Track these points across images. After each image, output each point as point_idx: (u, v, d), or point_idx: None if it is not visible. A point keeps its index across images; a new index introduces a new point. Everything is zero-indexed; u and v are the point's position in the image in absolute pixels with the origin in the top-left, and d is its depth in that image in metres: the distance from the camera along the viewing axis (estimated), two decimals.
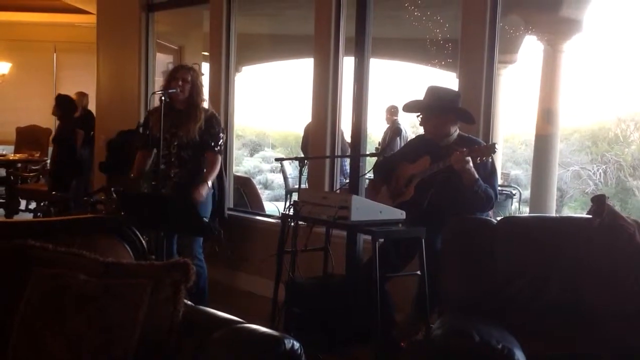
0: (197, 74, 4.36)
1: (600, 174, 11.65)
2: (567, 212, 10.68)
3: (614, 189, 11.24)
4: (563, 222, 3.17)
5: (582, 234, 2.83)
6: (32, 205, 8.43)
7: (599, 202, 2.88)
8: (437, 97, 3.74)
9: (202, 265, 4.37)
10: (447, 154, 3.52)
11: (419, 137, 4.08)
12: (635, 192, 11.18)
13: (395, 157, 4.14)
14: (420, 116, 3.78)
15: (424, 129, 3.82)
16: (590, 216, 2.89)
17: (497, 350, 2.31)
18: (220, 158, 4.39)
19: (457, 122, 3.75)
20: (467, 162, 3.42)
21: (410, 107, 3.87)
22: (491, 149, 3.44)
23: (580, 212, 8.20)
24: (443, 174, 3.56)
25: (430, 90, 3.78)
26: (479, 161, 3.45)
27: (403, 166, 3.86)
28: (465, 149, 3.43)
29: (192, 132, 4.24)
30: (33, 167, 8.93)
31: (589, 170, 11.85)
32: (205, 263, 4.44)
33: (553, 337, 2.66)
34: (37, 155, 8.88)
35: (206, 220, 4.22)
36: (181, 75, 4.27)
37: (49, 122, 10.48)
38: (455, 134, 3.76)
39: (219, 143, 4.34)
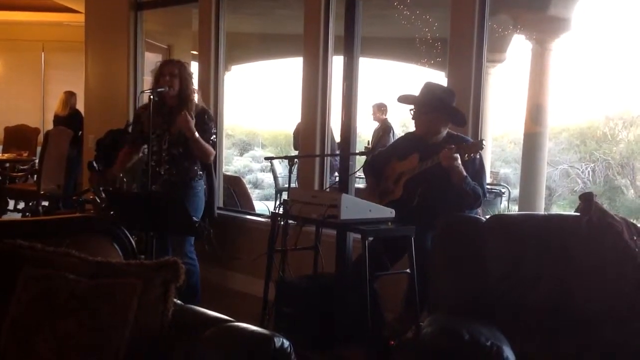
0: (184, 67, 4.29)
1: (588, 172, 11.72)
2: (555, 210, 10.74)
3: (602, 187, 11.32)
4: (552, 220, 3.17)
5: (571, 232, 2.84)
6: (21, 205, 8.38)
7: (587, 200, 2.89)
8: (432, 94, 3.73)
9: (194, 263, 4.34)
10: (435, 151, 3.52)
11: (408, 134, 4.09)
12: (624, 190, 11.27)
13: (384, 154, 4.14)
14: (413, 110, 3.78)
15: (415, 123, 3.82)
16: (578, 214, 2.91)
17: (486, 348, 2.31)
18: (213, 151, 4.32)
19: (448, 122, 3.75)
20: (456, 159, 3.42)
21: (404, 99, 3.85)
22: (479, 145, 3.45)
23: (568, 210, 8.24)
24: (431, 171, 3.56)
25: (427, 86, 3.77)
26: (467, 158, 3.46)
27: (392, 164, 3.86)
28: (453, 146, 3.44)
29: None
30: (21, 167, 8.87)
31: (578, 168, 11.92)
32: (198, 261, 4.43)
33: (542, 336, 2.68)
34: (26, 154, 8.81)
35: (196, 219, 4.20)
36: (168, 71, 4.21)
37: (38, 121, 10.44)
38: (445, 132, 3.76)
39: (211, 138, 4.28)
